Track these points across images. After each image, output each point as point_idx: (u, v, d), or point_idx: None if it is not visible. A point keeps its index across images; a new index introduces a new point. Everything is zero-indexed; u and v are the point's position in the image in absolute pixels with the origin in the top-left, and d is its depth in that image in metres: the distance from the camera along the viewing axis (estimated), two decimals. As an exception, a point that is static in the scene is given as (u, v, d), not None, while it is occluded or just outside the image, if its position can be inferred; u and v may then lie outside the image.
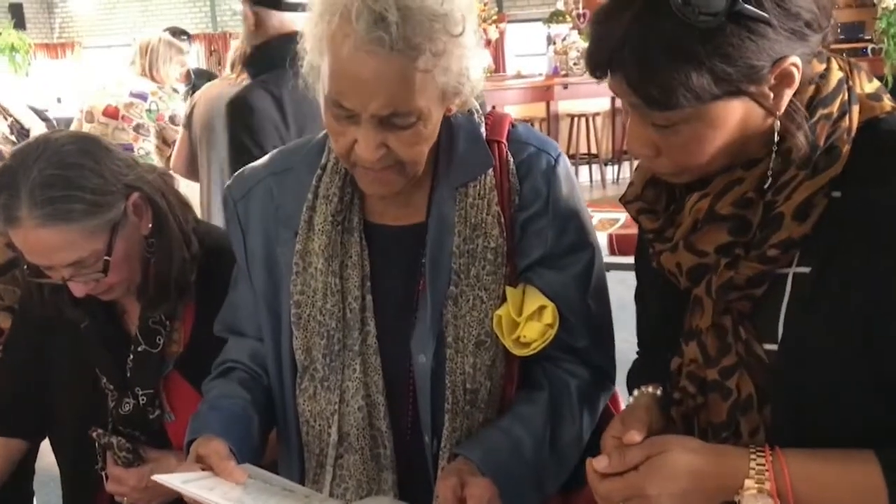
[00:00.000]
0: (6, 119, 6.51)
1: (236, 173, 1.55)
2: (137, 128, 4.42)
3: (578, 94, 10.35)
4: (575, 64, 10.73)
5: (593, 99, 10.25)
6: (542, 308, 1.36)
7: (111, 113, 4.40)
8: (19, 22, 16.24)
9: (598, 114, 10.50)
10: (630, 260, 1.42)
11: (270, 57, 2.56)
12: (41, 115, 6.94)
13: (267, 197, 1.47)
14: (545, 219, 1.41)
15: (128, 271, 1.59)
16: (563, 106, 10.63)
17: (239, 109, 2.58)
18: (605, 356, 1.49)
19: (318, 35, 1.25)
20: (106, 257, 1.53)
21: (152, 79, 4.45)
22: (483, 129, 1.42)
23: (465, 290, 1.37)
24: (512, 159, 1.42)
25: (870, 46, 10.74)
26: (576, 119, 10.50)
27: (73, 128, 4.61)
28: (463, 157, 1.40)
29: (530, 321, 1.36)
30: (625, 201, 1.24)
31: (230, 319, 1.57)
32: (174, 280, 1.63)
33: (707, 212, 1.09)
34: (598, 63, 1.06)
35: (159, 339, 1.66)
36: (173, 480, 1.26)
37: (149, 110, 4.38)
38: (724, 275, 1.09)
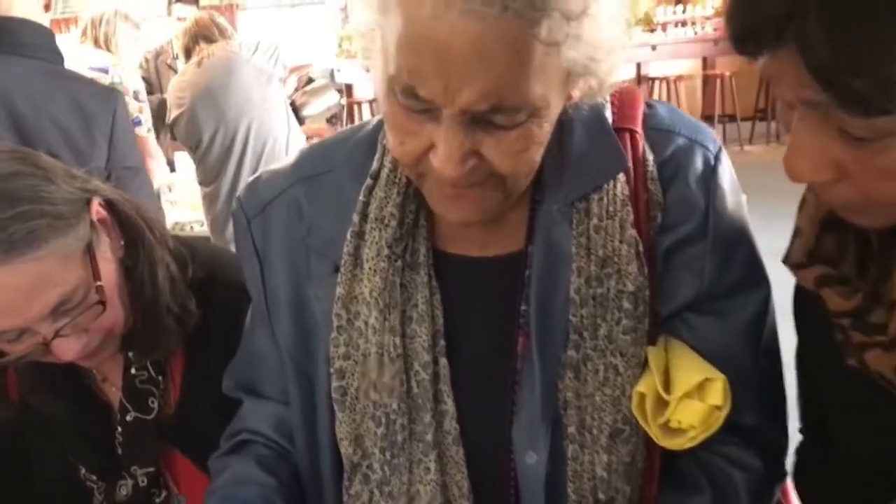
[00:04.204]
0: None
1: (250, 180, 1.12)
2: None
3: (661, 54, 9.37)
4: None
5: (677, 60, 9.31)
6: (705, 382, 0.93)
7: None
8: None
9: (681, 77, 9.43)
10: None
11: None
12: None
13: (293, 214, 1.05)
14: (702, 244, 0.98)
15: (121, 307, 1.17)
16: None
17: None
18: (779, 434, 1.06)
19: None
20: (98, 283, 1.11)
21: (108, 50, 3.99)
22: (609, 114, 0.99)
23: (590, 354, 0.95)
24: (651, 157, 0.98)
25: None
26: (657, 83, 9.39)
27: None
28: (582, 157, 0.96)
29: (686, 399, 0.93)
30: (793, 264, 0.85)
31: (245, 376, 1.15)
32: (165, 308, 1.20)
33: None
34: (757, 31, 0.68)
35: (152, 402, 1.24)
36: None
37: (112, 83, 3.89)
38: None
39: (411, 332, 0.98)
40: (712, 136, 1.02)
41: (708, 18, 9.69)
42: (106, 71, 3.85)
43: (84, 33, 3.99)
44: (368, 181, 1.00)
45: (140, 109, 3.79)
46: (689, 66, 9.64)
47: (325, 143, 1.11)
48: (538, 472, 0.95)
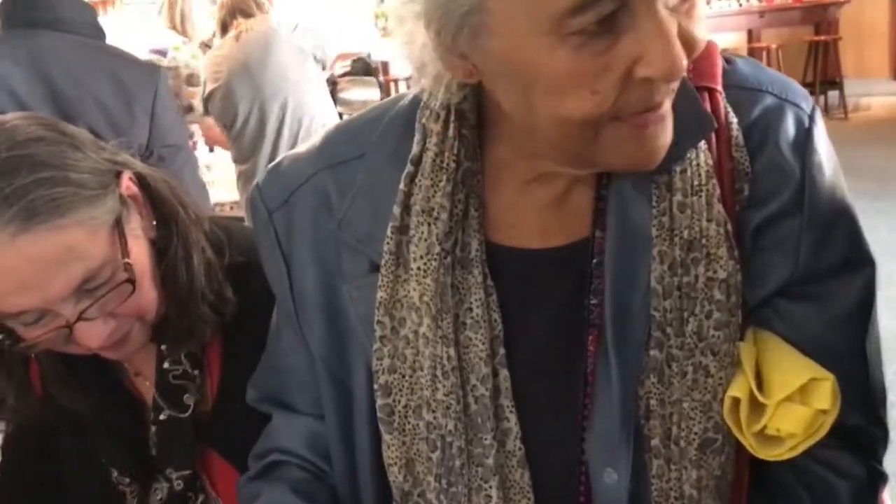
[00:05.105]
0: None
1: (270, 166, 1.00)
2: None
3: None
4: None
5: (721, 34, 8.90)
6: (812, 383, 0.82)
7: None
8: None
9: (726, 51, 8.97)
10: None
11: None
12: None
13: (321, 205, 0.93)
14: (797, 220, 0.85)
15: (152, 291, 1.08)
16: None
17: None
18: (884, 434, 0.93)
19: None
20: (126, 260, 1.01)
21: (183, 33, 3.91)
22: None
23: (676, 354, 0.83)
24: (735, 120, 0.86)
25: None
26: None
27: None
28: None
29: (787, 403, 0.82)
30: None
31: (272, 386, 1.04)
32: (200, 294, 1.10)
33: None
34: None
35: (188, 399, 1.14)
36: None
37: (168, 67, 3.83)
38: None
39: (465, 340, 0.86)
40: (804, 93, 0.89)
41: (753, -10, 9.43)
42: (164, 54, 3.81)
43: (161, 12, 3.93)
44: (409, 168, 0.87)
45: (192, 95, 3.73)
46: (734, 39, 9.36)
47: (354, 124, 0.98)
48: (619, 492, 0.84)
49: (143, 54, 3.82)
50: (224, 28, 3.54)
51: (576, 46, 0.70)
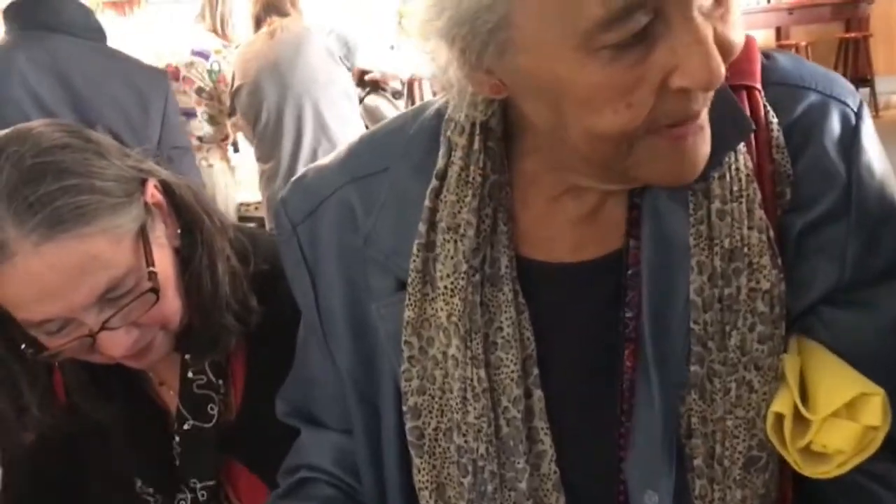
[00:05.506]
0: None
1: (294, 179, 0.97)
2: (199, 91, 3.83)
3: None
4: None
5: (749, 31, 8.80)
6: (860, 398, 0.78)
7: (171, 73, 3.85)
8: (89, -19, 16.19)
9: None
10: None
11: None
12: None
13: (347, 219, 0.90)
14: (843, 223, 0.81)
15: (176, 300, 1.06)
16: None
17: None
18: None
19: None
20: (150, 269, 1.00)
21: (223, 36, 3.89)
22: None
23: (718, 369, 0.80)
24: (775, 120, 0.82)
25: None
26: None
27: None
28: None
29: (834, 418, 0.78)
30: None
31: (300, 399, 1.02)
32: (224, 303, 1.08)
33: None
34: None
35: (212, 409, 1.13)
36: None
37: (210, 70, 3.82)
38: None
39: (496, 360, 0.83)
40: (851, 89, 0.85)
41: (782, -14, 9.31)
42: (207, 57, 3.81)
43: (202, 14, 3.92)
44: (434, 182, 0.84)
45: (231, 104, 3.73)
46: (763, 36, 9.24)
47: (377, 135, 0.95)
48: None
49: (183, 56, 3.84)
50: (258, 23, 3.53)
51: (608, 60, 0.67)
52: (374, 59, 3.62)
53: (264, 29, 3.50)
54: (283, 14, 3.49)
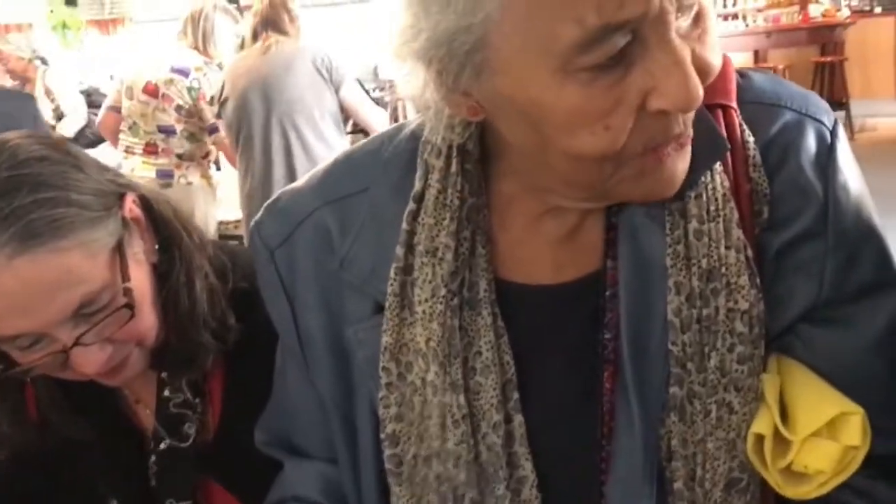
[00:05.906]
0: (52, 103, 6.10)
1: (268, 202, 0.95)
2: (179, 108, 3.82)
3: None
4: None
5: (727, 54, 8.84)
6: (840, 417, 0.78)
7: (151, 91, 3.83)
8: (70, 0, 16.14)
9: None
10: None
11: None
12: (96, 93, 6.48)
13: (323, 241, 0.89)
14: (821, 241, 0.81)
15: (152, 316, 1.05)
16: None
17: None
18: None
19: None
20: (126, 284, 0.99)
21: (205, 53, 3.87)
22: None
23: (698, 391, 0.79)
24: (752, 138, 0.82)
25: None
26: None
27: (109, 103, 4.08)
28: None
29: (814, 438, 0.78)
30: None
31: (281, 428, 1.00)
32: (202, 321, 1.07)
33: None
34: None
35: (189, 428, 1.11)
36: None
37: (189, 88, 3.81)
38: None
39: (475, 385, 0.82)
40: (826, 107, 0.85)
41: (759, 10, 9.43)
42: (186, 74, 3.78)
43: (184, 31, 3.89)
44: (411, 205, 0.83)
45: (217, 115, 3.71)
46: (741, 59, 9.36)
47: (353, 157, 0.93)
48: None
49: (162, 73, 3.82)
50: (255, 36, 3.50)
51: (585, 82, 0.67)
52: (357, 100, 3.60)
53: (258, 44, 3.49)
54: (281, 32, 3.48)
